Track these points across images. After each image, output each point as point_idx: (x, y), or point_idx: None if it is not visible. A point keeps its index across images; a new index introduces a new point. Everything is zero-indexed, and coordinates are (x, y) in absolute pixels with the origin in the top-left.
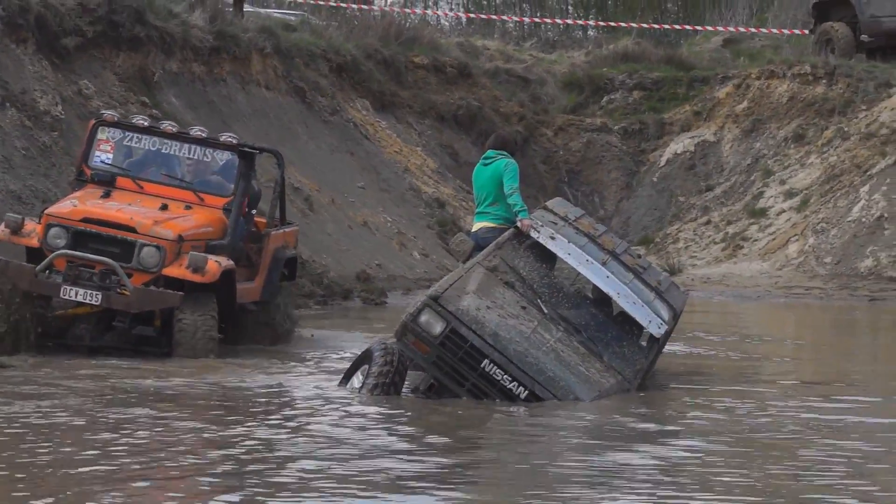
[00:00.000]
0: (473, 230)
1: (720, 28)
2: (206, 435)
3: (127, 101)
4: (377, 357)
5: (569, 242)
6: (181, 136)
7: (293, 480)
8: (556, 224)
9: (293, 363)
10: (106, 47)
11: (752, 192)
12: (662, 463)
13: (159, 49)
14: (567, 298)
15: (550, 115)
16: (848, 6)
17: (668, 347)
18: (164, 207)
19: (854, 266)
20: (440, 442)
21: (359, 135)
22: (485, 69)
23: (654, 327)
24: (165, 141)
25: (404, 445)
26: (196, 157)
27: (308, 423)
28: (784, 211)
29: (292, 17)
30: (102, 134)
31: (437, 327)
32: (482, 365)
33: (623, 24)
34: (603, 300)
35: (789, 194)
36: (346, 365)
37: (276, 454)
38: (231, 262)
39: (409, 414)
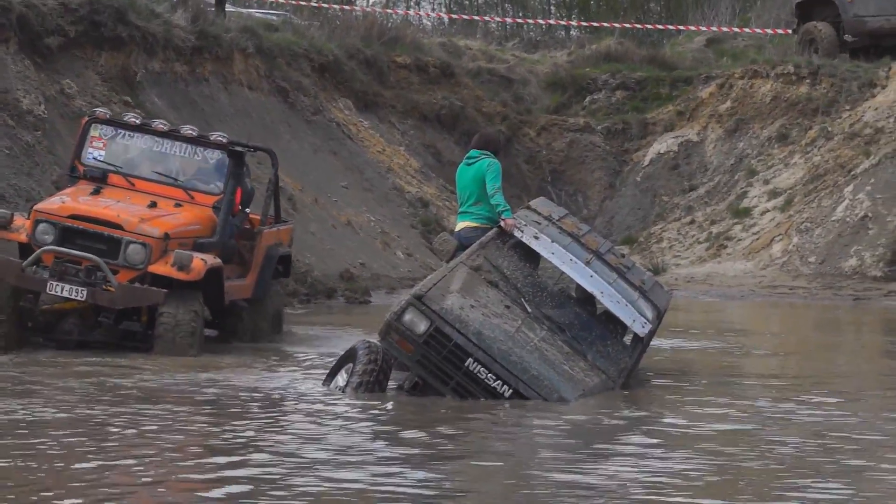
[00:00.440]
0: (457, 229)
1: (703, 28)
2: (187, 433)
3: (110, 101)
4: (361, 356)
5: (552, 242)
6: (172, 135)
7: (276, 478)
8: (539, 223)
9: (278, 361)
10: (88, 47)
11: (736, 192)
12: (645, 462)
13: (141, 49)
14: (551, 298)
15: (533, 115)
16: (831, 6)
17: (651, 346)
18: (153, 205)
19: (838, 266)
20: (422, 438)
21: (342, 134)
22: (467, 69)
23: (639, 326)
24: (157, 139)
25: (387, 443)
26: (187, 155)
27: (290, 422)
28: (768, 210)
29: (274, 17)
30: (95, 131)
31: (422, 326)
32: (466, 363)
33: (605, 24)
34: (587, 299)
35: (773, 194)
36: (331, 363)
37: (258, 452)
38: (218, 261)
39: (392, 412)
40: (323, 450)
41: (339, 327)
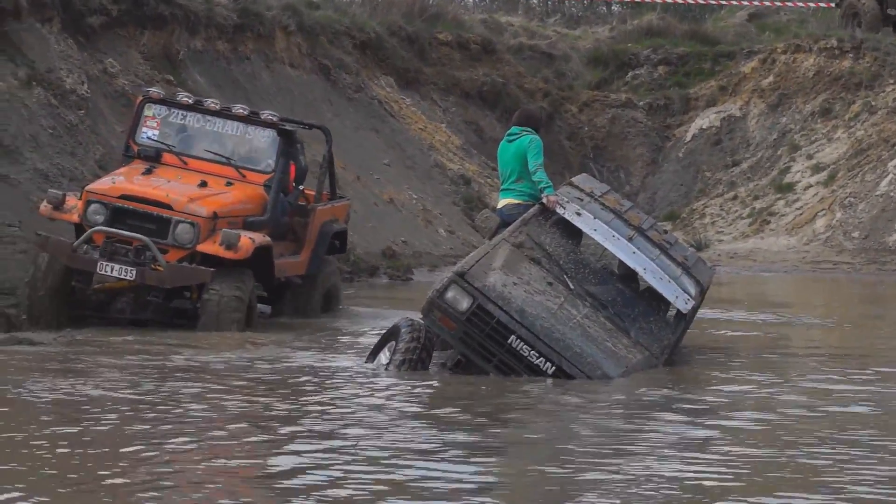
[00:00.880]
0: (499, 206)
1: (745, 2)
2: (237, 409)
3: (152, 80)
4: (404, 333)
5: (594, 218)
6: (224, 114)
7: (318, 457)
8: (581, 200)
9: (322, 338)
10: (130, 26)
11: (779, 167)
12: (688, 438)
13: (184, 27)
14: (593, 274)
15: (575, 91)
16: None
17: (695, 319)
18: (203, 184)
19: (882, 240)
20: (465, 417)
21: (383, 112)
22: (509, 45)
23: (681, 303)
24: (209, 118)
25: (431, 421)
26: (238, 133)
27: (333, 400)
28: (811, 186)
29: None
30: (149, 111)
31: (464, 303)
32: (509, 341)
33: (647, 0)
34: (629, 276)
35: (816, 169)
36: (375, 340)
37: (303, 429)
38: (267, 239)
39: (435, 389)
40: (364, 428)
41: (381, 305)
